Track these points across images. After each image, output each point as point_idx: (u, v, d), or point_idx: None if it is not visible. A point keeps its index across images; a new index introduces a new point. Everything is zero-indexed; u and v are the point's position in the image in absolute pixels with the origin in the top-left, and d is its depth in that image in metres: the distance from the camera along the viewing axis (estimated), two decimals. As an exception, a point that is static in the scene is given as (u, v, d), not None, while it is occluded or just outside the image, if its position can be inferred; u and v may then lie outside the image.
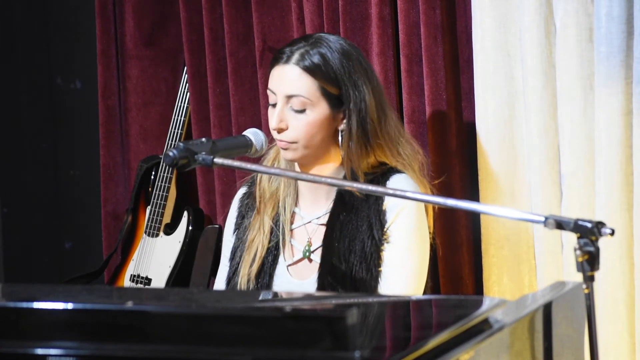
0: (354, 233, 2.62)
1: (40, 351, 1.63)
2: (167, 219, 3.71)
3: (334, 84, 2.59)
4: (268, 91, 2.64)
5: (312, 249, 2.67)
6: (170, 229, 3.69)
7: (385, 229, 2.61)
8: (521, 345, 1.85)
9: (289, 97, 2.58)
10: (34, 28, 4.18)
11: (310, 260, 2.68)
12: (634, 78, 2.75)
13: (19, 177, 4.25)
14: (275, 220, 2.69)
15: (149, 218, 3.72)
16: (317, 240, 2.67)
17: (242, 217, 2.76)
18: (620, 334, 2.83)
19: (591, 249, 1.86)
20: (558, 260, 2.92)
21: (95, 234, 3.99)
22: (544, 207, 2.89)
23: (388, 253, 2.61)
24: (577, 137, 2.86)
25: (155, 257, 3.70)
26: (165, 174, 3.68)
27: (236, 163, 2.37)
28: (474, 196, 3.07)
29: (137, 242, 3.76)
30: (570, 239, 2.66)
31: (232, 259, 2.75)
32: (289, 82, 2.59)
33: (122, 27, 3.82)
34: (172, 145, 3.63)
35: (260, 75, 3.46)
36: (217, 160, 2.30)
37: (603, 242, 1.89)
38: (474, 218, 3.11)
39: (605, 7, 2.75)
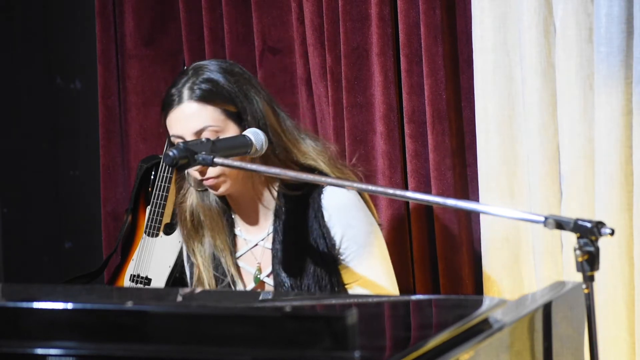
0: (301, 255, 2.58)
1: (40, 351, 1.63)
2: (167, 219, 3.70)
3: (231, 103, 2.54)
4: (172, 139, 2.55)
5: (263, 273, 2.64)
6: (170, 229, 3.69)
7: (336, 248, 2.58)
8: (521, 345, 1.85)
9: (198, 132, 2.51)
10: (34, 28, 4.18)
11: (264, 286, 2.64)
12: (634, 78, 2.75)
13: (19, 177, 4.25)
14: (218, 266, 2.65)
15: (148, 218, 3.72)
16: (267, 264, 2.64)
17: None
18: (620, 334, 2.83)
19: (591, 248, 1.86)
20: (558, 260, 2.92)
21: (95, 234, 3.99)
22: (544, 207, 2.89)
23: (353, 273, 2.58)
24: (576, 137, 2.86)
25: (155, 257, 3.70)
26: (165, 174, 3.68)
27: (236, 163, 2.37)
28: (474, 196, 3.07)
29: (136, 242, 3.76)
30: (570, 238, 2.66)
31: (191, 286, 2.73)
32: (192, 118, 2.52)
33: (122, 27, 3.82)
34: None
35: (260, 75, 3.46)
36: (217, 160, 2.30)
37: (603, 242, 1.89)
38: (474, 218, 3.11)
39: (605, 7, 2.75)
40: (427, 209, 3.17)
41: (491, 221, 3.01)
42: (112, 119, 3.87)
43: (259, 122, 2.54)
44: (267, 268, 2.64)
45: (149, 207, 3.72)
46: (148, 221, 3.72)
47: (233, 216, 2.68)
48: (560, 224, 1.90)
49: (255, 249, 2.66)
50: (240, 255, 2.67)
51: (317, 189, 2.59)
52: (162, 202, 3.68)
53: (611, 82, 2.77)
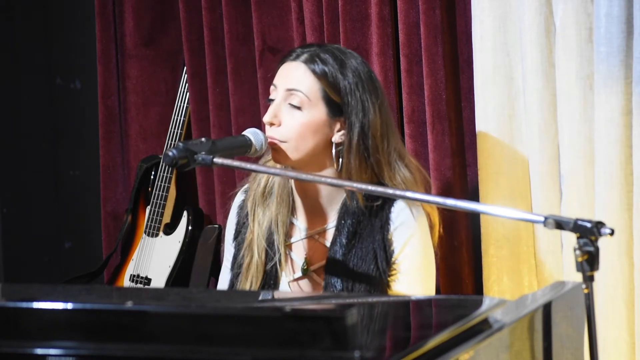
0: (358, 263, 2.57)
1: (40, 351, 1.63)
2: (166, 218, 3.71)
3: (337, 91, 2.55)
4: (271, 87, 2.61)
5: (310, 267, 2.63)
6: (170, 229, 3.70)
7: (392, 261, 2.57)
8: (521, 345, 1.85)
9: (289, 91, 2.55)
10: (34, 28, 4.18)
11: (310, 278, 2.64)
12: (634, 78, 2.74)
13: (19, 177, 4.25)
14: (270, 242, 2.64)
15: (148, 218, 3.72)
16: (315, 258, 2.63)
17: (241, 224, 2.72)
18: (620, 334, 2.83)
19: (591, 248, 1.86)
20: (558, 260, 2.92)
21: (95, 234, 3.99)
22: (544, 207, 2.89)
23: (396, 285, 2.58)
24: (576, 137, 2.86)
25: (155, 257, 3.70)
26: (165, 174, 3.69)
27: (236, 163, 2.37)
28: (474, 196, 3.07)
29: (136, 242, 3.76)
30: (571, 238, 2.66)
31: (232, 267, 2.71)
32: (292, 77, 2.56)
33: (122, 27, 3.82)
34: (172, 145, 3.63)
35: (260, 75, 3.46)
36: (217, 160, 2.30)
37: (603, 242, 1.89)
38: (474, 218, 3.11)
39: (605, 7, 2.75)
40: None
41: (491, 221, 3.01)
42: (112, 119, 3.87)
43: (362, 125, 2.55)
44: (316, 262, 2.62)
45: (149, 207, 3.72)
46: (148, 221, 3.72)
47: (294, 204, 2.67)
48: (560, 224, 1.90)
49: (307, 240, 2.65)
50: (292, 243, 2.66)
51: (389, 201, 2.58)
52: (162, 202, 3.68)
53: (611, 82, 2.77)
